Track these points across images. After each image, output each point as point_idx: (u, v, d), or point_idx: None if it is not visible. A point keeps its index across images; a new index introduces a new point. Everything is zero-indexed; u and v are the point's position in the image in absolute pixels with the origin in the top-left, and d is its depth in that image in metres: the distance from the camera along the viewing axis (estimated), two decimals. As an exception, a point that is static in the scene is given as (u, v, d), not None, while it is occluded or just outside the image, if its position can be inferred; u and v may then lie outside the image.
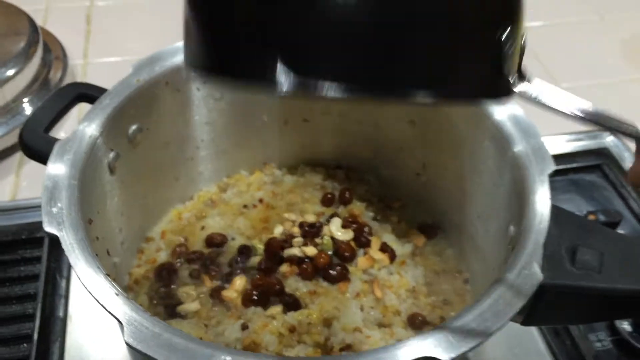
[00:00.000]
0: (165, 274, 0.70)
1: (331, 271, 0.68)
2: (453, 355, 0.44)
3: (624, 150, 0.97)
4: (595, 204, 0.89)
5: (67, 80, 1.04)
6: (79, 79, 1.09)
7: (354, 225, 0.73)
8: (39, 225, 0.81)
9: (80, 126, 0.59)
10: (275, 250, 0.71)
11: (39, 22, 1.06)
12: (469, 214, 0.71)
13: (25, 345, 0.71)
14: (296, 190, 0.82)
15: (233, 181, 0.82)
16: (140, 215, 0.72)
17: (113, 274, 0.62)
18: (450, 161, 0.71)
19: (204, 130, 0.75)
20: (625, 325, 0.73)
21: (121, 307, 0.45)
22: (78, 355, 0.70)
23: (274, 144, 0.82)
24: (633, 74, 1.18)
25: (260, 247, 0.72)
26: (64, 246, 0.49)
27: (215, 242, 0.73)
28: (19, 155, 0.96)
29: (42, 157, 0.59)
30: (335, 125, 0.80)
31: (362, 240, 0.72)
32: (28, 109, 0.98)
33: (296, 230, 0.74)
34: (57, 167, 0.55)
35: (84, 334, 0.72)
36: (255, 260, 0.71)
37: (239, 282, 0.69)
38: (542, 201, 0.54)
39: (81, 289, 0.75)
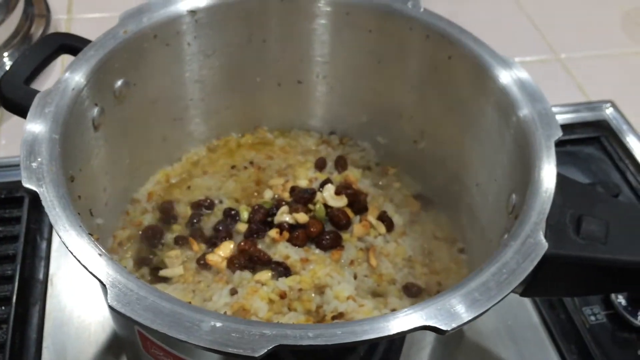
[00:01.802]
0: (150, 237, 0.67)
1: (324, 240, 0.66)
2: (454, 325, 0.42)
3: (622, 123, 0.95)
4: (592, 176, 0.87)
5: (50, 35, 1.00)
6: (63, 34, 1.04)
7: (349, 191, 0.71)
8: (19, 184, 0.77)
9: (63, 77, 0.56)
10: (260, 219, 0.68)
11: (20, -27, 1.01)
12: (467, 183, 0.68)
13: (3, 308, 0.68)
14: (289, 153, 0.79)
15: (222, 143, 0.79)
16: (126, 175, 0.69)
17: (96, 235, 0.60)
18: (450, 128, 0.69)
19: (193, 88, 0.71)
20: (620, 299, 0.72)
21: (104, 268, 0.43)
22: (59, 318, 0.68)
23: (267, 107, 0.79)
24: (633, 47, 1.16)
25: (245, 214, 0.69)
26: (44, 203, 0.46)
27: (203, 205, 0.71)
28: (-2, 112, 0.92)
29: (21, 110, 0.55)
30: (330, 89, 0.77)
31: (358, 207, 0.70)
32: (8, 63, 0.93)
33: (287, 195, 0.72)
34: (38, 120, 0.52)
35: (65, 297, 0.70)
36: (241, 227, 0.68)
37: (226, 246, 0.66)
38: (547, 168, 0.52)
39: (62, 252, 0.74)
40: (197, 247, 0.67)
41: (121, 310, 0.41)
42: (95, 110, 0.59)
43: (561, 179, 0.53)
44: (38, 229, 0.75)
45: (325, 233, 0.67)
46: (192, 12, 0.65)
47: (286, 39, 0.71)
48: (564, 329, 0.71)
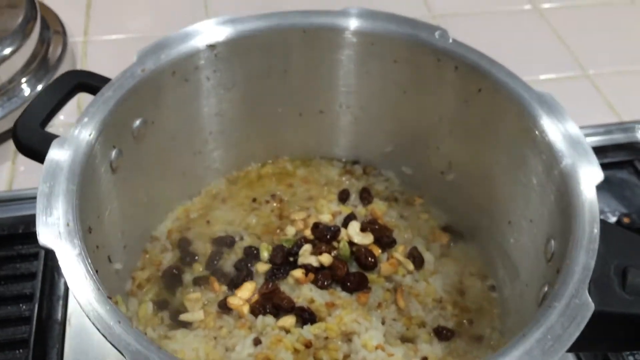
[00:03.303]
0: (170, 278, 0.65)
1: (349, 283, 0.63)
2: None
3: (657, 146, 0.91)
4: (627, 204, 0.84)
5: (67, 58, 0.98)
6: (79, 57, 1.02)
7: (375, 227, 0.68)
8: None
9: (80, 122, 0.54)
10: (281, 261, 0.66)
11: (35, -5, 0.99)
12: (498, 219, 0.65)
13: (20, 351, 0.66)
14: (310, 183, 0.76)
15: (243, 174, 0.77)
16: (145, 213, 0.67)
17: (115, 284, 0.58)
18: (480, 162, 0.66)
19: (213, 122, 0.69)
20: (662, 341, 0.68)
21: (125, 337, 0.41)
22: (78, 362, 0.66)
23: (287, 137, 0.76)
24: (663, 62, 1.12)
25: (266, 253, 0.67)
26: (60, 263, 0.44)
27: (223, 242, 0.68)
28: (15, 140, 0.90)
29: (37, 155, 0.54)
30: (354, 118, 0.74)
31: (384, 242, 0.67)
32: (26, 90, 0.92)
33: (309, 232, 0.69)
34: (54, 170, 0.50)
35: (83, 339, 0.68)
36: (261, 267, 0.66)
37: (247, 288, 0.64)
38: (590, 217, 0.49)
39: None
40: (218, 287, 0.64)
41: (142, 385, 0.38)
42: (114, 153, 0.57)
43: (603, 225, 0.50)
44: (56, 266, 0.72)
45: (351, 274, 0.64)
46: (212, 47, 0.63)
47: (308, 69, 0.69)
48: (602, 372, 0.68)
